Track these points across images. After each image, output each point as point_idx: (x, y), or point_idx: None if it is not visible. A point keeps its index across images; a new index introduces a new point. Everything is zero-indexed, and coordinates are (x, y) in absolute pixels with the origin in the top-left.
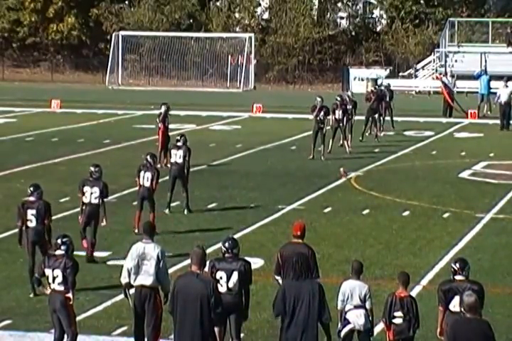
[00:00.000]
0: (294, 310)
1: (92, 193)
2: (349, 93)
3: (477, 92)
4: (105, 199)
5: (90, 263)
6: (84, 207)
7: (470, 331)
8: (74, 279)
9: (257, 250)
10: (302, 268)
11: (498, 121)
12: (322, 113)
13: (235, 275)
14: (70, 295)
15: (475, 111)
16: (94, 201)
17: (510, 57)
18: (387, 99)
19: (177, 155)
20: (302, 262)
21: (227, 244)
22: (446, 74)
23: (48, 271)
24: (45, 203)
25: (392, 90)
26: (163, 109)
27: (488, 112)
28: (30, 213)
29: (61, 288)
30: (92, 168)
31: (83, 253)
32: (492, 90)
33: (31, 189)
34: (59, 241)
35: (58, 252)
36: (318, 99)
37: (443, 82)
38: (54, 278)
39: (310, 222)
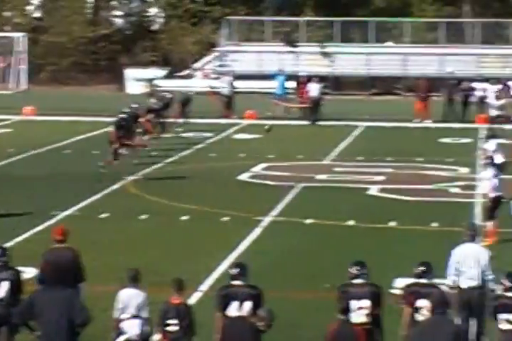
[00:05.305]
0: (46, 319)
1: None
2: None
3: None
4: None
5: None
6: None
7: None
8: None
9: (31, 259)
10: (60, 275)
11: (277, 122)
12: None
13: (5, 285)
14: None
15: (254, 112)
16: None
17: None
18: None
19: None
20: (61, 268)
21: None
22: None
23: None
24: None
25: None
26: None
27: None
28: None
29: None
30: None
31: None
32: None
33: None
34: None
35: None
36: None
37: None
38: None
39: (86, 229)
